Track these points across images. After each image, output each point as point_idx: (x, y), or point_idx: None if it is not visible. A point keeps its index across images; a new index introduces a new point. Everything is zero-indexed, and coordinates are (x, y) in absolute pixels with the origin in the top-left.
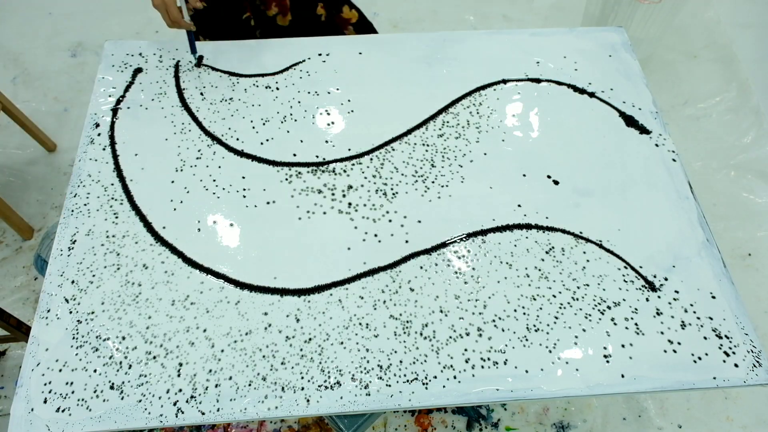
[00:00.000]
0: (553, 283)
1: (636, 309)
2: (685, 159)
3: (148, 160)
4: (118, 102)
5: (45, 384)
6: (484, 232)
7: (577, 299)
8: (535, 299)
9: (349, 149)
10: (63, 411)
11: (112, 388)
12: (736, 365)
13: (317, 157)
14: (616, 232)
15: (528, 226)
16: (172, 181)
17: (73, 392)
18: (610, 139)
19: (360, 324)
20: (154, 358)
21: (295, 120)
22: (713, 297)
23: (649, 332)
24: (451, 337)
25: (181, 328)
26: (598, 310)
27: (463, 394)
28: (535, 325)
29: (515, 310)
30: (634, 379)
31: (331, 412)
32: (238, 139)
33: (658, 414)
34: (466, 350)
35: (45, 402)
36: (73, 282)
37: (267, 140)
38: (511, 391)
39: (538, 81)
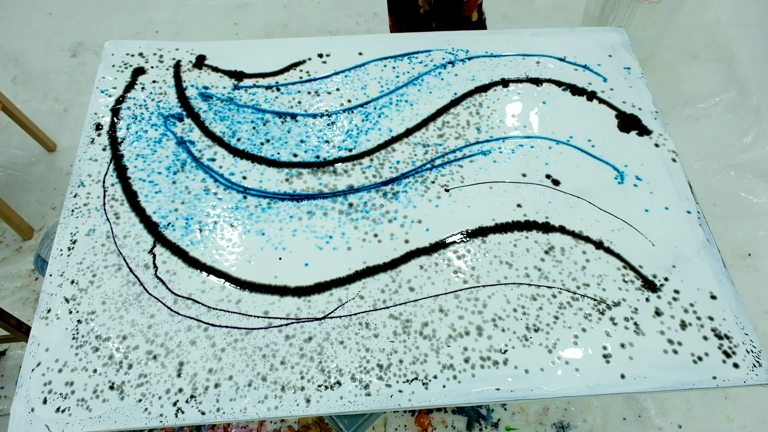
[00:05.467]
0: (553, 283)
1: (636, 309)
2: (685, 159)
3: (148, 160)
4: (118, 102)
5: (45, 384)
6: (484, 232)
7: (577, 299)
8: (535, 299)
9: (350, 149)
10: (63, 411)
11: (112, 388)
12: (736, 365)
13: (317, 157)
14: (616, 232)
15: (528, 226)
16: (174, 182)
17: (73, 392)
18: (610, 139)
19: (360, 324)
20: (155, 357)
21: (296, 120)
22: (713, 297)
23: (649, 332)
24: (450, 337)
25: (183, 327)
26: (598, 310)
27: (463, 394)
28: (535, 325)
29: (515, 310)
30: (634, 379)
31: (331, 412)
32: (239, 140)
33: (658, 414)
34: (465, 349)
35: (45, 402)
36: (73, 282)
37: (267, 140)
38: (511, 391)
39: (538, 81)
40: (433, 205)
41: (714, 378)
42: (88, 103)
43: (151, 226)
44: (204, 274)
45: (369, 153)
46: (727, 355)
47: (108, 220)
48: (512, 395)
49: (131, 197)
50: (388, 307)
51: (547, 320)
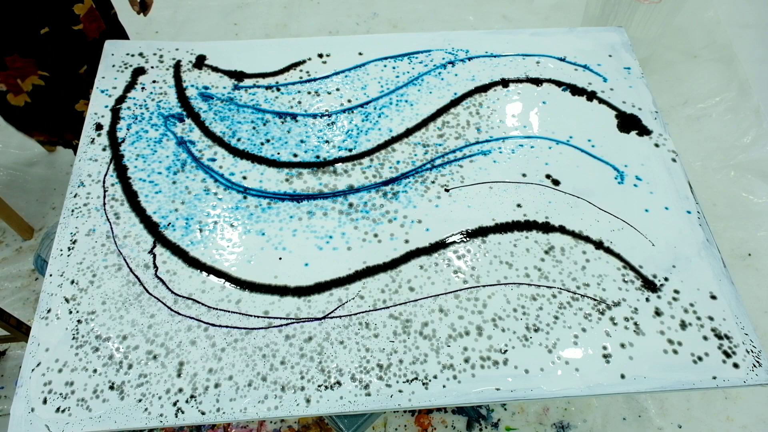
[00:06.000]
0: (553, 283)
1: (636, 309)
2: (685, 159)
3: (148, 160)
4: (118, 102)
5: (45, 384)
6: (484, 232)
7: (577, 299)
8: (535, 299)
9: (350, 150)
10: (63, 411)
11: (112, 388)
12: (736, 365)
13: (318, 157)
14: (616, 232)
15: (528, 226)
16: (174, 182)
17: (73, 392)
18: (610, 139)
19: (360, 324)
20: (155, 357)
21: (296, 120)
22: (713, 297)
23: (649, 332)
24: (450, 337)
25: (183, 327)
26: (598, 310)
27: (463, 394)
28: (535, 325)
29: (515, 310)
30: (634, 379)
31: (331, 412)
32: (239, 140)
33: (658, 414)
34: (465, 349)
35: (45, 402)
36: (73, 282)
37: (267, 140)
38: (511, 391)
39: (538, 81)
40: (433, 205)
41: (714, 378)
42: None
43: (151, 226)
44: (204, 274)
45: (369, 153)
46: (727, 355)
47: (108, 220)
48: (512, 395)
49: (131, 197)
50: (388, 307)
51: (547, 320)
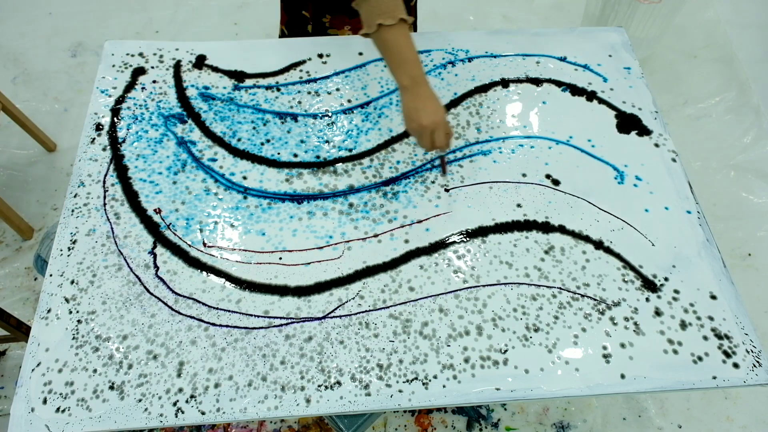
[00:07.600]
0: (553, 283)
1: (636, 309)
2: (685, 159)
3: (148, 160)
4: (118, 102)
5: (45, 384)
6: (484, 232)
7: (577, 299)
8: (535, 299)
9: (350, 150)
10: (63, 411)
11: (112, 388)
12: (736, 365)
13: (318, 157)
14: (616, 232)
15: (528, 226)
16: (174, 182)
17: (73, 392)
18: (610, 139)
19: (360, 323)
20: (155, 357)
21: (296, 120)
22: (713, 297)
23: (649, 332)
24: (450, 336)
25: (183, 326)
26: (598, 310)
27: (463, 394)
28: (535, 325)
29: (515, 310)
30: (634, 379)
31: (331, 412)
32: (239, 140)
33: (658, 414)
34: (465, 349)
35: (45, 402)
36: (73, 282)
37: (267, 140)
38: (511, 391)
39: (538, 81)
40: (433, 205)
41: (714, 378)
42: (88, 103)
43: (151, 227)
44: (204, 273)
45: (369, 153)
46: (727, 355)
47: (108, 220)
48: (512, 395)
49: (132, 197)
50: (388, 307)
51: (547, 320)
